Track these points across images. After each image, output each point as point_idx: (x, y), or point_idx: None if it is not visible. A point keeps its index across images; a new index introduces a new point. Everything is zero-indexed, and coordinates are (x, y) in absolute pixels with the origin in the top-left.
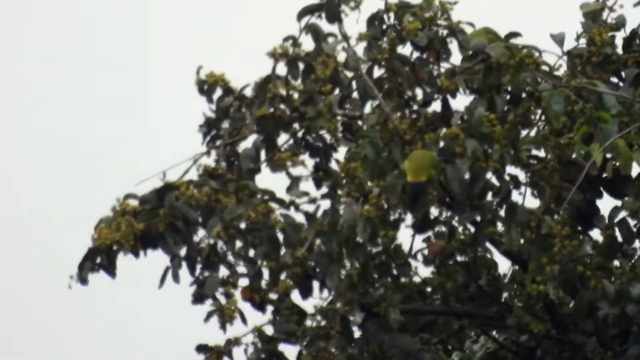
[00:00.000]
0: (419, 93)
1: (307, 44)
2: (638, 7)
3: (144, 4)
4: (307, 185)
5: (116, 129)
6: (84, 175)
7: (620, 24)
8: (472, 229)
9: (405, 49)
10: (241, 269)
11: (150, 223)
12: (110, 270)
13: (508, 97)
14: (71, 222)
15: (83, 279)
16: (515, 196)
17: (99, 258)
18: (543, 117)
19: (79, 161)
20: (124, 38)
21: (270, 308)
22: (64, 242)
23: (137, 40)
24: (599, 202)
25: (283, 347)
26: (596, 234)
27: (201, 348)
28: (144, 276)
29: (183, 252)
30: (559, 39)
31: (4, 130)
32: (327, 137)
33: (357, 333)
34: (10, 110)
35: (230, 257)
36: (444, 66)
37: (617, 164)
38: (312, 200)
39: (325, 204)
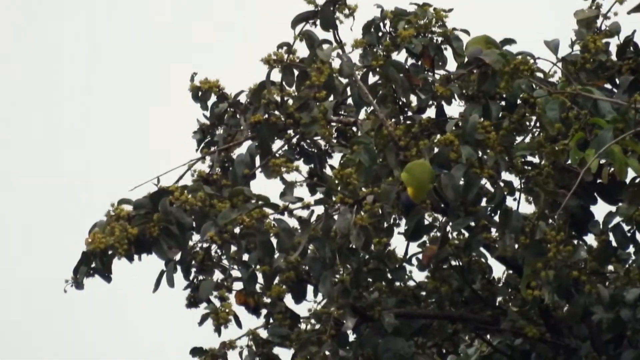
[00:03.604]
0: (414, 100)
1: (302, 50)
2: (632, 15)
3: (138, 8)
4: (302, 191)
5: (111, 135)
6: (79, 180)
7: (614, 31)
8: (466, 235)
9: (400, 56)
10: (235, 272)
11: (144, 228)
12: (106, 274)
13: (503, 103)
14: (67, 226)
15: (79, 283)
16: (510, 202)
17: (94, 262)
18: (538, 124)
19: (75, 164)
20: (120, 43)
21: (264, 312)
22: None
23: (133, 45)
24: (593, 208)
25: (278, 350)
26: (591, 239)
27: (196, 351)
28: (139, 280)
29: (177, 256)
30: (553, 46)
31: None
32: (322, 143)
33: (352, 337)
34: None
35: (225, 261)
36: (439, 73)
37: (612, 169)
38: (306, 206)
39: (319, 210)
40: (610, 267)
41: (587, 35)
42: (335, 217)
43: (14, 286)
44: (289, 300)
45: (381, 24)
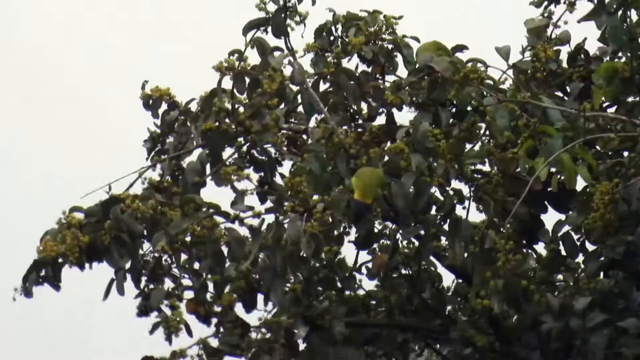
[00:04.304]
0: (364, 107)
1: (253, 58)
2: (582, 23)
3: (87, 17)
4: (252, 200)
5: (61, 142)
6: (30, 188)
7: (564, 40)
8: (416, 243)
9: (352, 62)
10: (186, 281)
11: (96, 236)
12: (55, 282)
13: (453, 111)
14: (17, 234)
15: (27, 292)
16: (459, 211)
17: (44, 270)
18: (487, 132)
19: (25, 173)
20: (71, 52)
21: (215, 320)
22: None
23: (83, 54)
24: (544, 217)
25: (228, 359)
26: (540, 248)
27: None
28: (89, 288)
29: (128, 264)
30: (504, 52)
31: None
32: (272, 151)
33: (302, 346)
34: None
35: (176, 270)
36: (389, 80)
37: (562, 178)
38: (257, 215)
39: (270, 218)
40: (560, 276)
41: (537, 43)
42: (286, 225)
43: None
44: (239, 309)
45: (333, 28)
